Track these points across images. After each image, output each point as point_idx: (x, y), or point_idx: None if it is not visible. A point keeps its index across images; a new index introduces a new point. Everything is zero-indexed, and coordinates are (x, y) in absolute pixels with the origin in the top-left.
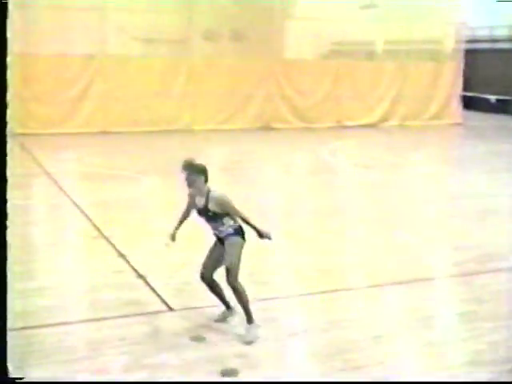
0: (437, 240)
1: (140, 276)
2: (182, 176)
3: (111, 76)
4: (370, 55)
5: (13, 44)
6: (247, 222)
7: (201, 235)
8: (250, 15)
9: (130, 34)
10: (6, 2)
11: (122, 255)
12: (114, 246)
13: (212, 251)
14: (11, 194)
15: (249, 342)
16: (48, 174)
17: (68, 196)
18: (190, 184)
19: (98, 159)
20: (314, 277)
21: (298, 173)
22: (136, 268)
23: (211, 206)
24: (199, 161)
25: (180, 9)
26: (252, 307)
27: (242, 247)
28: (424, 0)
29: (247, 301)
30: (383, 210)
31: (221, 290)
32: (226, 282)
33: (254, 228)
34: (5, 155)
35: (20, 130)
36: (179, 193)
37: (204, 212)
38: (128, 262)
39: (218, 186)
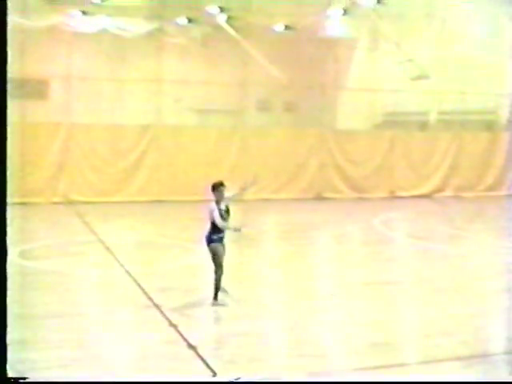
0: (492, 314)
1: (191, 346)
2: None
3: (165, 145)
4: (424, 125)
5: (73, 114)
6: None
7: (250, 310)
8: (303, 86)
9: (185, 104)
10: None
11: (173, 325)
12: (165, 315)
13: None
14: (65, 261)
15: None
16: (102, 241)
17: (121, 264)
18: (223, 196)
19: (151, 228)
20: (366, 351)
21: (350, 243)
22: (187, 338)
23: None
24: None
25: (234, 80)
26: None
27: None
28: (476, 71)
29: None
30: (437, 282)
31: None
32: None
33: None
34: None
35: (76, 198)
36: (234, 259)
37: (226, 212)
38: (179, 331)
39: (270, 254)
